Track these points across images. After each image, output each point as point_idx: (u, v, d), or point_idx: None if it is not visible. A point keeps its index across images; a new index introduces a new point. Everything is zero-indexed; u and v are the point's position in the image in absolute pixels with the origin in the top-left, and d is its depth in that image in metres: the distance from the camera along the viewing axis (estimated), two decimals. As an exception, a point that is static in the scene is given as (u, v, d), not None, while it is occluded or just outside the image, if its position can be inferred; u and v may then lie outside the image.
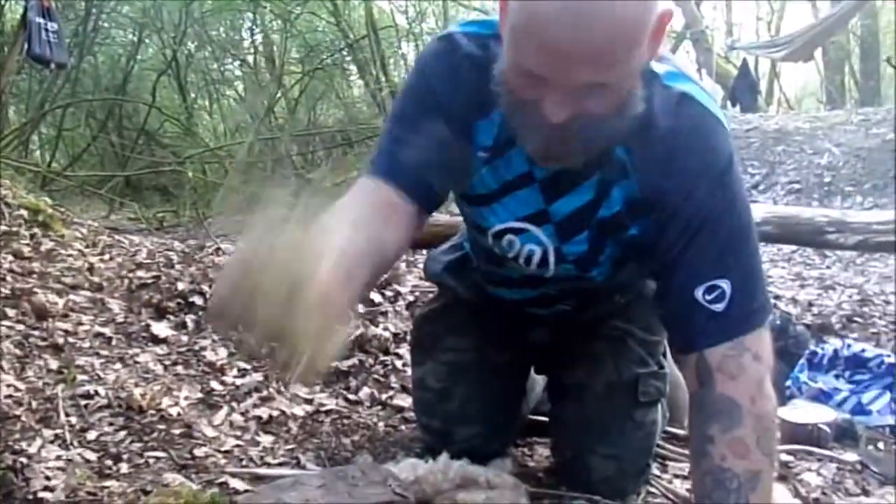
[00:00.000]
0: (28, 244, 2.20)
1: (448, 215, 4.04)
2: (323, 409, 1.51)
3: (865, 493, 1.30)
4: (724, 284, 0.89)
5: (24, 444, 1.11)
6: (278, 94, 9.11)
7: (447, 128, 0.94)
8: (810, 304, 2.77)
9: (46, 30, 4.50)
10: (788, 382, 1.79)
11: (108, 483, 1.07)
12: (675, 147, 0.89)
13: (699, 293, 0.89)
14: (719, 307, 0.89)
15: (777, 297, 2.87)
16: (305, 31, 9.35)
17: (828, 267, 3.67)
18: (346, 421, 1.48)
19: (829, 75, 11.86)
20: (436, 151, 0.94)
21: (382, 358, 1.74)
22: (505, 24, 0.81)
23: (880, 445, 1.38)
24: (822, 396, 1.71)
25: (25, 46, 4.53)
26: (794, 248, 3.61)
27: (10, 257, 2.02)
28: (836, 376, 1.79)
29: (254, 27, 9.89)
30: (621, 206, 0.96)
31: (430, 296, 1.51)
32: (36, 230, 2.39)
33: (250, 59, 10.20)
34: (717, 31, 13.50)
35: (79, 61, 7.41)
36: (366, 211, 0.89)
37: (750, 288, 0.91)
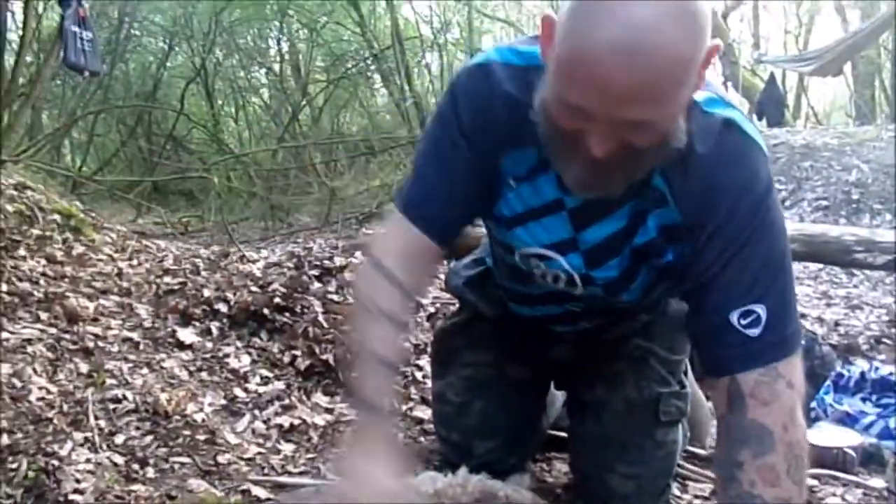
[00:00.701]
0: (60, 248, 2.26)
1: (469, 226, 4.07)
2: (343, 418, 1.53)
3: (892, 520, 1.27)
4: (760, 310, 0.88)
5: (55, 447, 1.14)
6: (303, 102, 9.24)
7: (473, 159, 0.96)
8: (837, 324, 2.72)
9: (82, 38, 4.62)
10: (814, 404, 1.76)
11: (134, 487, 1.10)
12: (716, 173, 0.89)
13: (734, 317, 0.89)
14: (754, 332, 0.88)
15: (803, 316, 2.83)
16: (331, 40, 9.48)
17: (855, 286, 3.60)
18: (366, 431, 1.49)
19: (858, 90, 11.65)
20: (461, 187, 0.97)
21: (403, 369, 1.75)
22: (549, 49, 0.80)
23: (908, 472, 1.35)
24: (849, 419, 1.68)
25: (61, 54, 4.65)
26: (820, 265, 3.55)
27: (44, 261, 2.07)
28: (863, 399, 1.76)
29: (280, 36, 10.05)
30: (657, 234, 0.96)
31: (452, 309, 1.52)
32: (68, 234, 2.45)
33: (276, 67, 10.36)
34: (743, 44, 13.39)
35: (111, 68, 7.60)
36: (399, 262, 0.97)
37: (785, 314, 0.90)
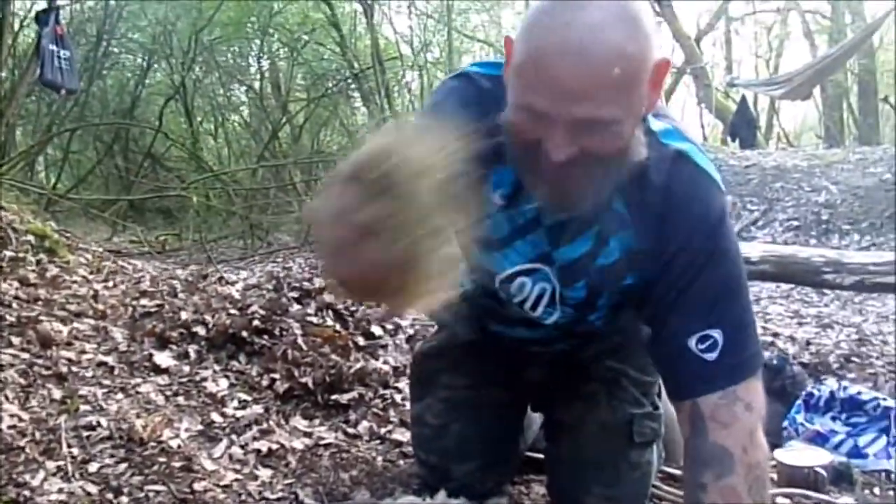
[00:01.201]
0: (34, 270, 2.23)
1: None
2: (322, 442, 1.52)
3: (861, 538, 1.30)
4: (717, 334, 0.91)
5: (27, 477, 1.12)
6: (283, 121, 9.23)
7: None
8: (808, 343, 2.78)
9: (59, 57, 4.59)
10: (785, 423, 1.80)
11: (108, 517, 1.09)
12: (671, 203, 0.92)
13: (692, 342, 0.92)
14: (711, 356, 0.91)
15: (775, 335, 2.88)
16: (312, 59, 9.52)
17: (826, 305, 3.68)
18: (344, 455, 1.49)
19: (827, 112, 12.01)
20: None
21: (382, 392, 1.75)
22: (508, 64, 0.85)
23: (876, 490, 1.38)
24: (819, 438, 1.71)
25: (38, 72, 4.62)
26: (792, 285, 3.62)
27: (17, 284, 2.04)
28: (833, 418, 1.80)
29: (261, 54, 10.07)
30: (619, 256, 0.99)
31: (430, 332, 1.53)
32: (42, 256, 2.42)
33: (256, 85, 10.35)
34: (716, 67, 13.73)
35: (88, 85, 7.53)
36: None
37: (742, 338, 0.93)
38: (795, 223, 5.22)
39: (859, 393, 1.81)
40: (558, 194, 0.87)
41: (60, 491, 1.11)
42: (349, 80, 9.06)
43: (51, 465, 1.18)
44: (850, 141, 10.73)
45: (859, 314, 3.45)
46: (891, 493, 1.37)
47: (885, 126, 12.32)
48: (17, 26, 6.38)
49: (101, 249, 3.21)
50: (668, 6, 10.15)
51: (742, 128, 8.73)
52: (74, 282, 2.27)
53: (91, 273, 2.46)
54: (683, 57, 10.29)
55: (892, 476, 1.46)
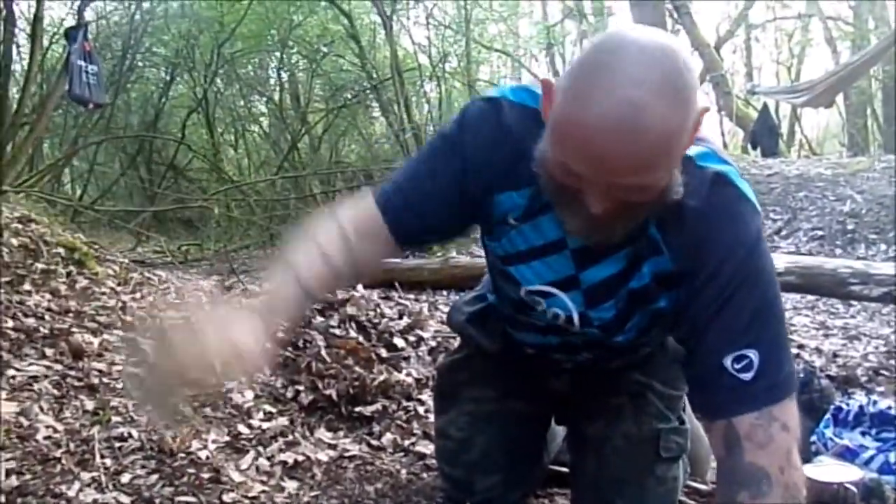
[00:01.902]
0: (64, 282, 2.27)
1: (468, 256, 4.09)
2: (346, 454, 1.53)
3: (893, 557, 1.27)
4: (752, 354, 0.91)
5: (63, 487, 1.15)
6: (302, 131, 9.34)
7: (462, 189, 0.99)
8: (835, 355, 2.73)
9: (87, 72, 4.71)
10: (813, 438, 1.77)
11: (141, 528, 1.11)
12: (707, 225, 0.93)
13: (727, 362, 0.91)
14: (747, 376, 0.91)
15: (801, 347, 2.84)
16: (331, 70, 9.62)
17: (853, 316, 3.62)
18: (369, 467, 1.50)
19: (851, 119, 11.85)
20: (439, 206, 1.01)
21: (405, 404, 1.76)
22: (549, 109, 0.85)
23: (908, 507, 1.36)
24: (848, 454, 1.68)
25: (67, 87, 4.74)
26: (817, 296, 3.57)
27: (49, 296, 2.09)
28: (863, 433, 1.77)
29: (281, 66, 10.20)
30: (650, 280, 0.99)
31: (453, 345, 1.54)
32: (72, 268, 2.47)
33: (276, 96, 10.49)
34: (736, 75, 13.63)
35: (113, 98, 7.69)
36: (354, 225, 0.99)
37: (777, 358, 0.93)
38: (820, 233, 5.15)
39: (889, 407, 1.78)
40: (593, 232, 0.89)
41: (95, 502, 1.13)
42: (368, 91, 9.14)
43: (85, 475, 1.21)
44: (874, 149, 10.55)
45: (887, 326, 3.38)
46: (923, 510, 1.34)
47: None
48: (45, 42, 6.54)
49: (126, 261, 3.26)
50: (686, 14, 10.11)
51: (764, 136, 8.64)
52: (103, 293, 2.31)
53: (119, 285, 2.50)
54: (703, 65, 10.23)
55: (925, 493, 1.43)
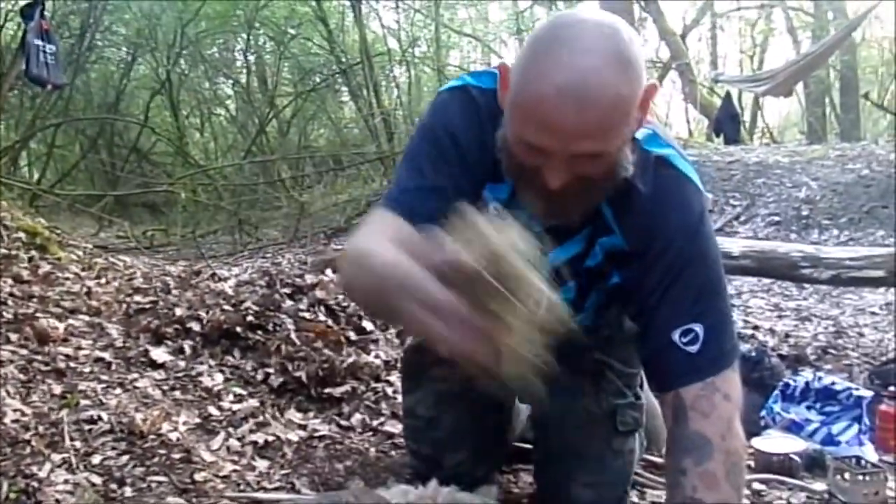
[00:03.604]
0: (27, 267, 2.24)
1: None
2: (316, 434, 1.57)
3: (832, 521, 1.36)
4: (698, 328, 0.97)
5: (34, 468, 1.15)
6: (270, 115, 9.21)
7: (462, 174, 1.01)
8: (787, 335, 2.86)
9: (45, 51, 4.57)
10: (763, 412, 1.87)
11: (113, 506, 1.13)
12: (653, 206, 0.99)
13: (675, 336, 0.98)
14: (693, 349, 0.97)
15: (755, 328, 2.96)
16: (299, 53, 9.48)
17: (805, 298, 3.77)
18: (338, 446, 1.53)
19: (810, 108, 12.18)
20: (450, 191, 0.99)
21: (374, 385, 1.80)
22: (505, 93, 0.90)
23: (847, 475, 1.45)
24: (795, 427, 1.78)
25: (24, 67, 4.59)
26: (772, 279, 3.71)
27: (10, 281, 2.06)
28: (808, 407, 1.87)
29: (247, 48, 10.01)
30: (602, 258, 1.05)
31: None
32: (33, 253, 2.43)
33: (243, 79, 10.30)
34: (702, 63, 13.85)
35: (72, 79, 7.46)
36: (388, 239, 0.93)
37: (721, 331, 0.99)
38: (776, 218, 5.32)
39: (833, 383, 1.89)
40: (553, 211, 0.93)
41: (66, 482, 1.15)
42: (337, 75, 9.05)
43: (56, 457, 1.22)
44: (831, 137, 10.89)
45: (837, 307, 3.54)
46: (860, 478, 1.43)
47: (866, 122, 12.52)
48: (0, 20, 6.31)
49: (90, 246, 3.21)
50: (653, 2, 10.23)
51: (726, 124, 8.84)
52: (67, 279, 2.29)
53: (83, 270, 2.47)
54: (669, 53, 10.38)
55: (864, 462, 1.53)
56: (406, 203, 0.99)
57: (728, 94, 9.31)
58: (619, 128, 0.86)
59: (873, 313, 3.36)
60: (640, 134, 0.99)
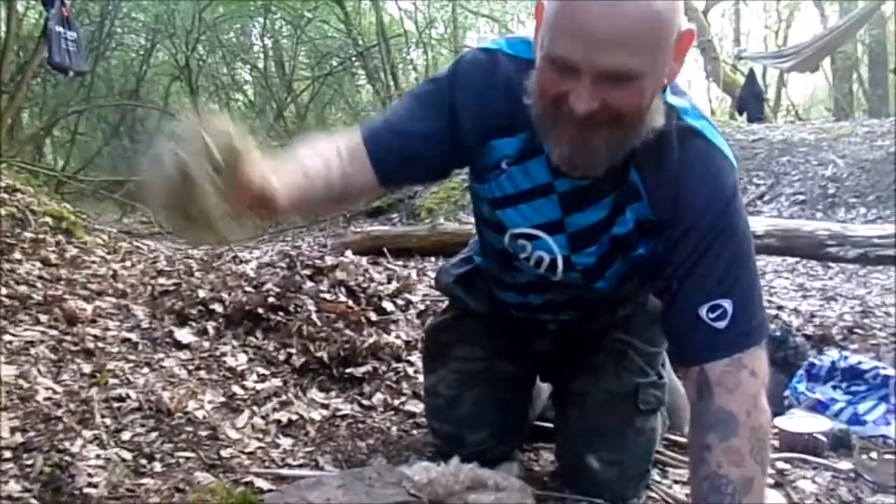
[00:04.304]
0: (54, 251, 2.29)
1: (457, 223, 4.11)
2: (339, 413, 1.59)
3: (858, 500, 1.35)
4: (727, 304, 0.96)
5: (67, 444, 1.19)
6: (288, 99, 9.23)
7: (449, 135, 1.02)
8: (812, 315, 2.82)
9: (66, 38, 4.61)
10: (787, 392, 1.85)
11: (144, 481, 1.16)
12: (685, 178, 0.97)
13: (703, 311, 0.97)
14: (721, 325, 0.96)
15: (780, 308, 2.92)
16: (316, 37, 9.47)
17: (830, 278, 3.71)
18: (360, 425, 1.55)
19: (837, 84, 11.87)
20: (422, 149, 1.02)
21: (395, 365, 1.81)
22: (539, 30, 0.88)
23: (873, 455, 1.43)
24: (820, 406, 1.76)
25: (46, 55, 4.64)
26: (797, 259, 3.65)
27: (39, 264, 2.10)
28: (834, 387, 1.85)
29: (264, 32, 10.02)
30: (632, 226, 1.03)
31: (442, 307, 1.58)
32: (60, 237, 2.48)
33: (260, 64, 10.32)
34: (725, 40, 13.55)
35: (92, 66, 7.54)
36: (340, 148, 1.00)
37: (749, 308, 0.98)
38: (801, 197, 5.22)
39: (860, 362, 1.86)
40: (578, 152, 0.91)
41: (98, 457, 1.18)
42: (354, 58, 9.03)
43: (87, 433, 1.25)
44: (859, 114, 10.61)
45: (863, 287, 3.47)
46: (887, 457, 1.42)
47: (895, 98, 12.17)
48: (21, 8, 6.38)
49: (115, 230, 3.27)
50: (675, -22, 9.98)
51: (750, 102, 8.66)
52: (93, 262, 2.33)
53: (109, 253, 2.52)
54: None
55: (890, 441, 1.51)
56: (375, 134, 1.02)
57: (752, 72, 9.12)
58: (652, 48, 0.83)
59: (901, 292, 3.29)
60: (676, 103, 0.97)
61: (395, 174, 1.05)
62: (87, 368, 1.51)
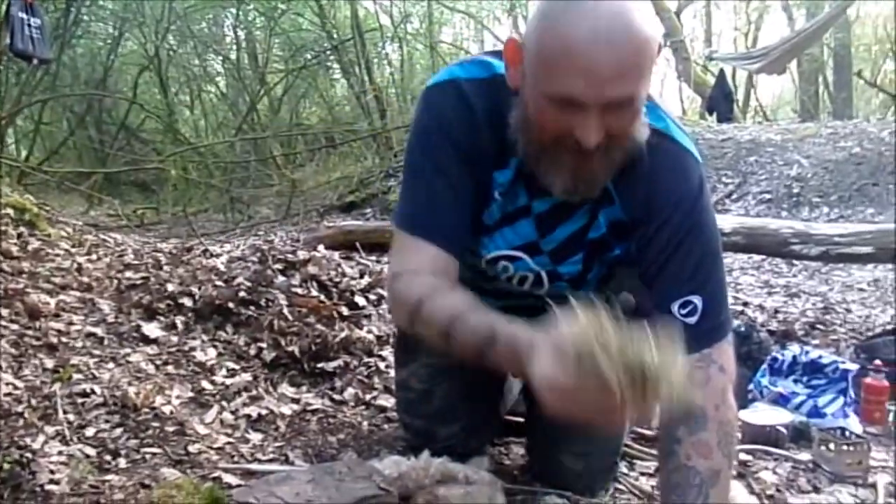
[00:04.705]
0: (16, 243, 2.22)
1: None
2: (309, 408, 1.58)
3: (816, 490, 1.39)
4: (697, 300, 0.99)
5: (28, 440, 1.16)
6: (261, 93, 9.10)
7: (468, 172, 1.01)
8: (776, 311, 2.89)
9: (29, 25, 4.48)
10: (751, 386, 1.89)
11: (108, 477, 1.13)
12: (652, 178, 0.99)
13: (675, 307, 0.99)
14: (692, 320, 0.98)
15: (745, 304, 2.99)
16: (290, 29, 9.35)
17: (794, 275, 3.81)
18: (331, 420, 1.54)
19: (803, 86, 12.16)
20: (462, 195, 1.02)
21: (366, 360, 1.80)
22: (517, 69, 0.90)
23: (832, 446, 1.47)
24: (782, 400, 1.81)
25: (8, 42, 4.50)
26: (763, 256, 3.74)
27: (0, 257, 2.04)
28: (795, 381, 1.90)
29: (237, 24, 9.85)
30: (605, 230, 1.06)
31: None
32: (22, 229, 2.41)
33: (233, 55, 10.16)
34: (696, 40, 13.76)
35: (58, 55, 7.33)
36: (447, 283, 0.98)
37: (718, 304, 1.01)
38: (768, 196, 5.34)
39: (820, 357, 1.91)
40: (581, 180, 0.93)
41: (60, 454, 1.15)
42: (328, 52, 8.94)
43: (49, 429, 1.22)
44: (824, 115, 10.89)
45: (825, 284, 3.58)
46: (845, 448, 1.46)
47: (858, 100, 12.52)
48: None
49: (80, 223, 3.19)
50: (648, -22, 10.10)
51: (720, 102, 8.81)
52: (57, 255, 2.27)
53: (73, 246, 2.46)
54: (664, 30, 10.29)
55: (848, 433, 1.56)
56: (428, 226, 1.00)
57: (722, 72, 9.27)
58: (645, 71, 0.86)
59: (861, 290, 3.40)
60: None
61: (464, 236, 1.05)
62: (49, 363, 1.48)
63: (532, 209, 1.05)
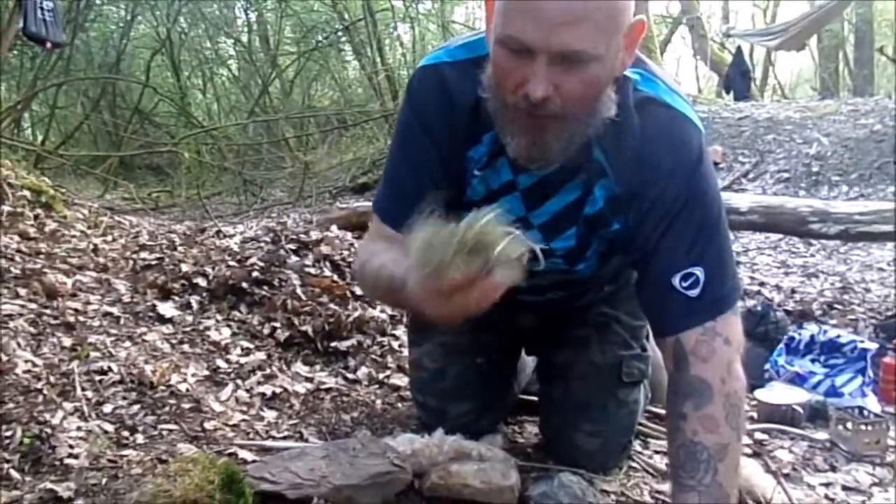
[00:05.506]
0: (33, 225, 2.25)
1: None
2: (323, 387, 1.59)
3: (833, 469, 1.38)
4: (698, 272, 0.97)
5: (47, 416, 1.18)
6: (273, 75, 9.08)
7: (439, 156, 1.02)
8: (793, 291, 2.86)
9: (42, 8, 4.47)
10: (767, 366, 1.88)
11: (126, 452, 1.15)
12: (647, 146, 0.96)
13: (676, 280, 0.97)
14: (694, 293, 0.97)
15: (762, 284, 2.96)
16: (301, 10, 9.29)
17: (812, 255, 3.75)
18: (345, 398, 1.55)
19: (823, 63, 11.89)
20: (431, 185, 1.01)
21: (379, 339, 1.81)
22: (491, 22, 0.88)
23: (849, 425, 1.46)
24: (799, 379, 1.79)
25: (21, 25, 4.51)
26: (780, 236, 3.69)
27: (17, 238, 2.07)
28: (812, 360, 1.88)
29: (248, 5, 9.80)
30: (602, 204, 1.03)
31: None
32: (39, 211, 2.44)
33: (244, 38, 10.12)
34: (713, 18, 13.50)
35: (71, 39, 7.35)
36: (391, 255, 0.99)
37: (721, 274, 0.99)
38: (786, 175, 5.26)
39: (838, 336, 1.89)
40: (533, 144, 0.91)
41: (79, 429, 1.17)
42: (340, 33, 8.88)
43: (68, 405, 1.24)
44: (844, 93, 10.66)
45: (844, 263, 3.52)
46: (862, 427, 1.45)
47: (880, 77, 12.23)
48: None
49: (96, 205, 3.22)
50: (664, -46, 9.90)
51: (737, 80, 8.67)
52: (74, 236, 2.29)
53: (89, 228, 2.48)
54: (680, 7, 10.11)
55: (866, 412, 1.54)
56: (393, 214, 1.03)
57: (739, 50, 9.10)
58: (603, 31, 0.83)
59: (881, 269, 3.35)
60: (633, 75, 0.96)
61: None
62: (67, 342, 1.49)
63: (517, 184, 1.03)
